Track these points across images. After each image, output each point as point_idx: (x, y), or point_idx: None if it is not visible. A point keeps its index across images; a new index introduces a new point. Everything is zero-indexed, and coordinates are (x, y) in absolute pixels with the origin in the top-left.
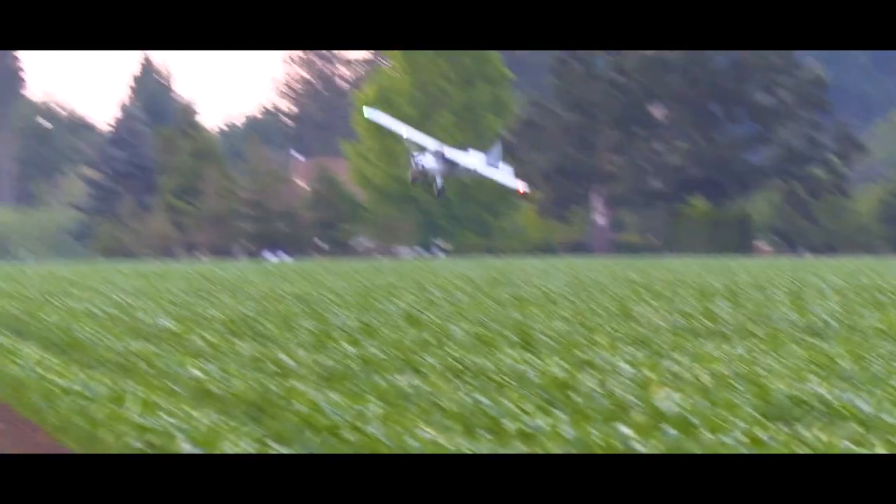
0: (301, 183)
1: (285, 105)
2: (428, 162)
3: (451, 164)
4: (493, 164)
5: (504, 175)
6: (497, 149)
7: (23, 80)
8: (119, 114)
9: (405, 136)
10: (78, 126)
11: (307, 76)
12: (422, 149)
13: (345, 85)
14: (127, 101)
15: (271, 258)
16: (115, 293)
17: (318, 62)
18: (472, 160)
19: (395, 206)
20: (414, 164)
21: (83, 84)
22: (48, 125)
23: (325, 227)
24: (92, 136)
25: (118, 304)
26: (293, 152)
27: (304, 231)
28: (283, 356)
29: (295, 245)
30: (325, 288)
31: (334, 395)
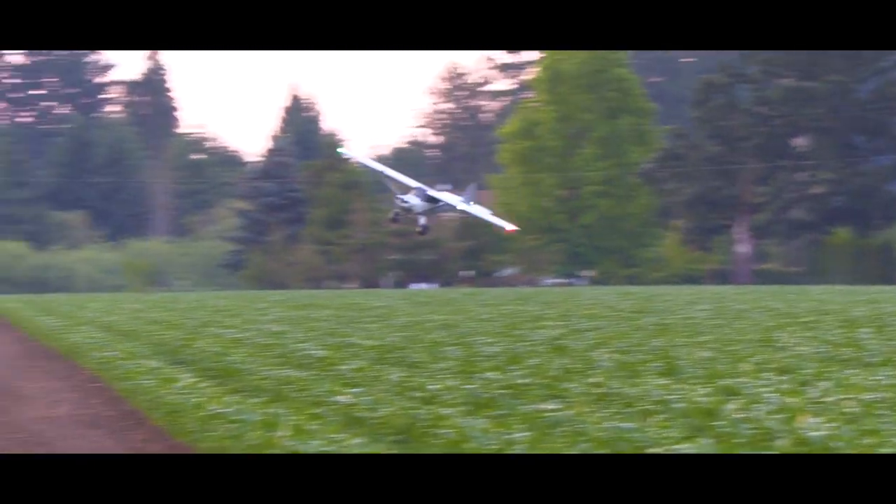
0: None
1: (430, 137)
2: (412, 200)
3: (433, 203)
4: (406, 201)
5: (490, 215)
6: (472, 189)
7: (176, 117)
8: (269, 147)
9: (385, 175)
10: (229, 160)
11: (452, 108)
12: (405, 188)
13: (489, 117)
14: (276, 135)
15: (418, 287)
16: (266, 322)
17: (463, 94)
18: (454, 199)
19: (539, 235)
20: (399, 202)
21: (234, 118)
22: (201, 158)
23: (471, 257)
24: (243, 170)
25: (270, 332)
26: (439, 185)
27: (449, 261)
28: (429, 383)
29: (441, 275)
30: (470, 316)
31: (481, 422)
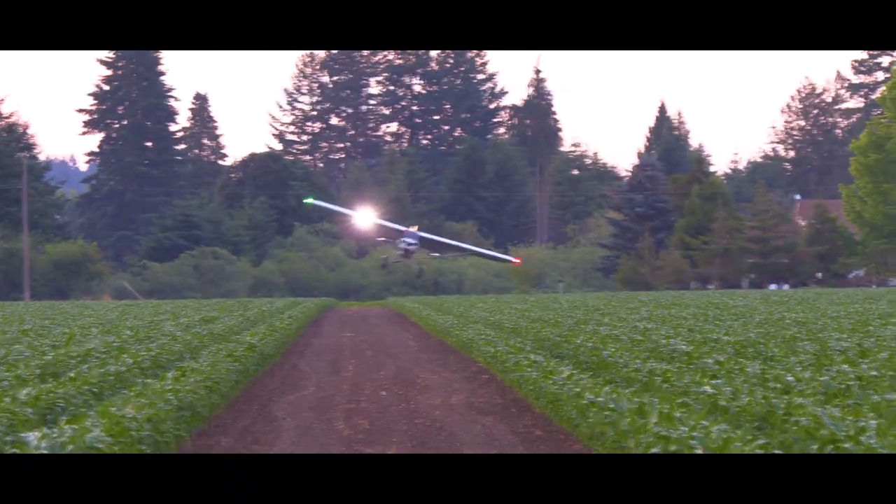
0: (801, 221)
1: (785, 151)
2: (412, 243)
3: (428, 244)
4: (411, 243)
5: (494, 251)
6: (412, 233)
7: (558, 137)
8: (637, 161)
9: (356, 216)
10: (604, 174)
11: (805, 125)
12: (398, 232)
13: (839, 133)
14: (644, 150)
15: (774, 288)
16: (636, 320)
17: (815, 112)
18: (465, 245)
19: (887, 240)
20: (403, 244)
21: (607, 134)
22: (579, 173)
23: (823, 261)
24: (616, 183)
25: (639, 329)
26: (796, 196)
27: (803, 264)
28: (786, 375)
29: (795, 277)
30: (823, 314)
31: (834, 410)
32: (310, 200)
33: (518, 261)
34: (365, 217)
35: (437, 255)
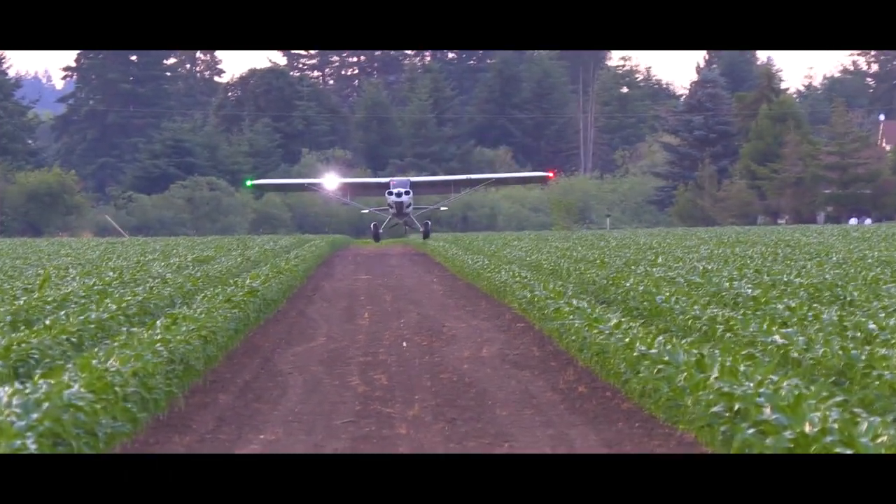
0: (885, 145)
1: (867, 65)
2: (400, 194)
3: (427, 188)
4: (401, 193)
5: (526, 172)
6: (400, 179)
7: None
8: (696, 78)
9: (324, 182)
10: (657, 92)
11: None
12: (378, 186)
13: None
14: (704, 65)
15: (854, 223)
16: (695, 260)
17: None
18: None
19: None
20: (391, 197)
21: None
22: (629, 91)
23: None
24: (671, 103)
25: (699, 270)
26: (880, 116)
27: (887, 195)
28: (867, 322)
29: (878, 210)
30: None
31: None
32: (250, 183)
33: (552, 174)
34: (331, 181)
35: (441, 205)
